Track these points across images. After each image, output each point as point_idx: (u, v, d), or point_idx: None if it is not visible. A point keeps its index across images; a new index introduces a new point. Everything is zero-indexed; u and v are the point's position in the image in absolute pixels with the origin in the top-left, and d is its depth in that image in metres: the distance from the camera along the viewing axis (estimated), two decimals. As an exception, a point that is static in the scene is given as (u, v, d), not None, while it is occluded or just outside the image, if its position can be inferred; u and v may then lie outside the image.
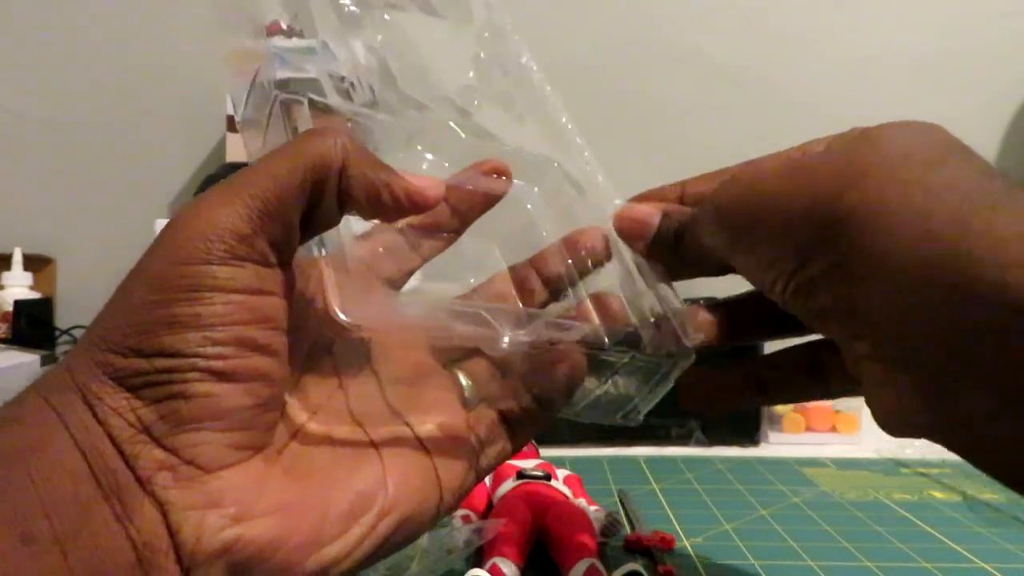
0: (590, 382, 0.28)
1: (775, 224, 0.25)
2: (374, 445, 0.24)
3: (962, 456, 0.24)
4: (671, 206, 0.31)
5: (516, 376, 0.27)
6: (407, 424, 0.25)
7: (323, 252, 0.25)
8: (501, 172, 0.30)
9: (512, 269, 0.32)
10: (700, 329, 0.30)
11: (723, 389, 0.33)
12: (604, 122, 1.00)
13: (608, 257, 0.32)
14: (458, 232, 0.30)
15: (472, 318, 0.25)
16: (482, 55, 0.34)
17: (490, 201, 0.30)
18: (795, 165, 0.26)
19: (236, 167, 0.89)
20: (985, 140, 0.99)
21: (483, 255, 0.31)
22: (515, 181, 0.30)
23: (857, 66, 0.99)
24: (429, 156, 0.30)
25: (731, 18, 1.00)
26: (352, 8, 0.30)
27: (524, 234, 0.32)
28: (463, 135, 0.30)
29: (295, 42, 0.97)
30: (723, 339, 0.31)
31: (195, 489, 0.20)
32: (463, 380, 0.28)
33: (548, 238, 0.31)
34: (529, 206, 0.31)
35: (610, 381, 0.28)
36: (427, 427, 0.25)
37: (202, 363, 0.20)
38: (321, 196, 0.23)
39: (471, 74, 0.32)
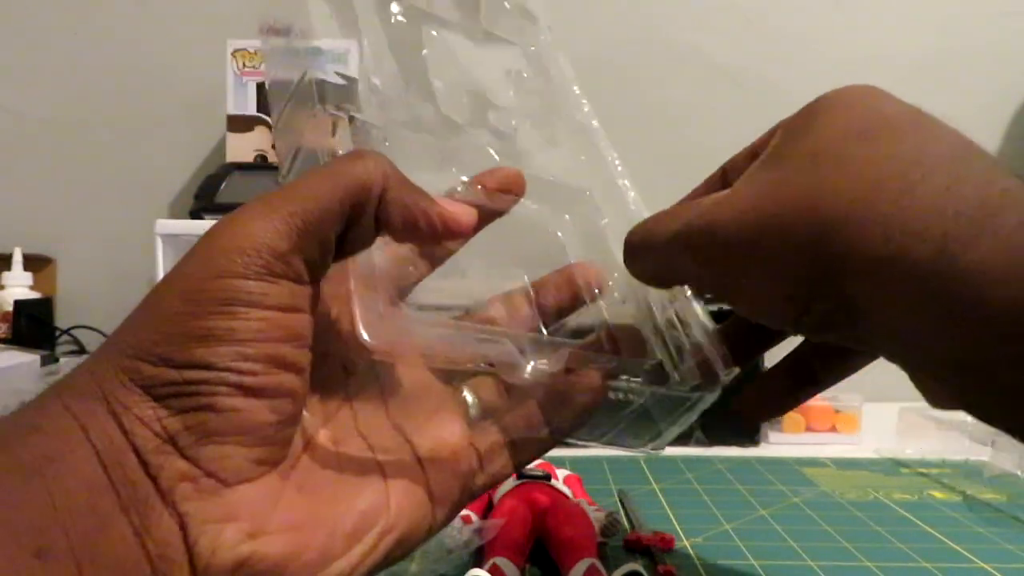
0: (612, 413, 0.27)
1: (766, 274, 0.24)
2: (378, 462, 0.25)
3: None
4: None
5: (527, 401, 0.27)
6: (409, 441, 0.25)
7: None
8: (511, 184, 0.30)
9: (507, 296, 0.31)
10: (728, 363, 0.29)
11: (780, 395, 0.32)
12: (604, 122, 1.00)
13: (592, 297, 0.31)
14: (459, 245, 0.30)
15: (496, 345, 0.25)
16: (524, 74, 0.33)
17: (493, 217, 0.30)
18: (762, 212, 0.24)
19: (236, 167, 0.88)
20: (985, 140, 0.98)
21: (510, 281, 0.31)
22: (545, 207, 0.30)
23: (857, 66, 0.99)
24: (464, 178, 0.29)
25: (731, 18, 1.00)
26: (400, 18, 0.30)
27: (553, 262, 0.31)
28: (498, 159, 0.30)
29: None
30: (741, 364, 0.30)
31: (214, 502, 0.20)
32: (468, 398, 0.28)
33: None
34: (560, 234, 0.31)
35: (633, 412, 0.28)
36: (426, 445, 0.25)
37: (232, 378, 0.20)
38: (359, 219, 0.23)
39: (511, 94, 0.32)
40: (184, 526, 0.19)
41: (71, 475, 0.19)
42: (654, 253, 0.28)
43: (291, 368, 0.22)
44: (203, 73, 0.97)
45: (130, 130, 1.02)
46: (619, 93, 1.00)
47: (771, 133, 0.28)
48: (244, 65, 0.87)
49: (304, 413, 0.24)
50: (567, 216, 0.31)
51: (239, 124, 0.87)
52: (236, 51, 0.87)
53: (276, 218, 0.21)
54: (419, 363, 0.28)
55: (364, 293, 0.23)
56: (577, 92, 0.33)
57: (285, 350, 0.21)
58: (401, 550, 0.24)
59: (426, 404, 0.27)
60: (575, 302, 0.31)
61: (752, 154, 0.29)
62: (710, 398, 0.28)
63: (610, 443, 0.29)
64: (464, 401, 0.28)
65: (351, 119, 0.27)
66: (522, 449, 0.27)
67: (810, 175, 0.23)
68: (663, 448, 0.30)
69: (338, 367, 0.27)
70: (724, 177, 0.31)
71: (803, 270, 0.23)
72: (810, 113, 0.26)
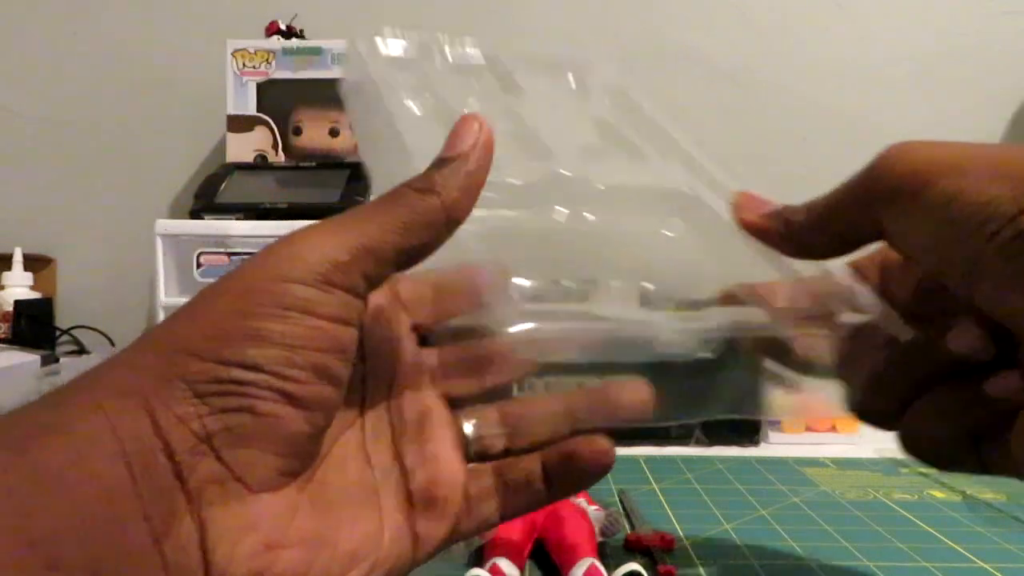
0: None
1: (980, 167, 0.23)
2: (376, 490, 0.24)
3: None
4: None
5: (527, 435, 0.27)
6: (406, 474, 0.25)
7: None
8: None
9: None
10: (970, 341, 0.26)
11: (953, 442, 0.27)
12: (604, 122, 1.00)
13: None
14: None
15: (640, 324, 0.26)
16: (608, 119, 0.33)
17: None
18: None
19: (236, 167, 0.88)
20: (985, 140, 0.99)
21: (632, 294, 0.30)
22: (650, 218, 0.29)
23: (857, 66, 0.99)
24: (564, 210, 0.29)
25: (731, 18, 1.00)
26: (514, 78, 0.31)
27: (679, 269, 0.31)
28: (601, 187, 0.30)
29: (295, 42, 0.97)
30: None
31: (236, 509, 0.20)
32: (467, 428, 0.27)
33: (703, 265, 0.31)
34: (671, 234, 0.30)
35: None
36: (422, 481, 0.25)
37: (277, 382, 0.20)
38: (422, 248, 0.23)
39: (594, 136, 0.32)
40: (204, 532, 0.19)
41: (93, 480, 0.18)
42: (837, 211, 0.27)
43: (332, 380, 0.22)
44: (203, 73, 0.97)
45: (130, 130, 1.02)
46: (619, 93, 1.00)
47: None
48: (244, 65, 0.87)
49: None
50: (678, 220, 0.30)
51: (239, 124, 0.87)
52: (236, 51, 0.87)
53: (339, 232, 0.22)
54: (423, 387, 0.27)
55: (494, 282, 0.24)
56: (661, 119, 0.33)
57: (330, 361, 0.21)
58: None
59: (427, 433, 0.26)
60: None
61: None
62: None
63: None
64: (464, 434, 0.27)
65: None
66: (512, 499, 0.26)
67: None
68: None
69: (358, 381, 0.26)
70: None
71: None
72: None
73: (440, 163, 0.24)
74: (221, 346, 0.20)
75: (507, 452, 0.27)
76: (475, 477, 0.26)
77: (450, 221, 0.23)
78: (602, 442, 0.26)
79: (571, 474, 0.26)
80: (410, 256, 0.23)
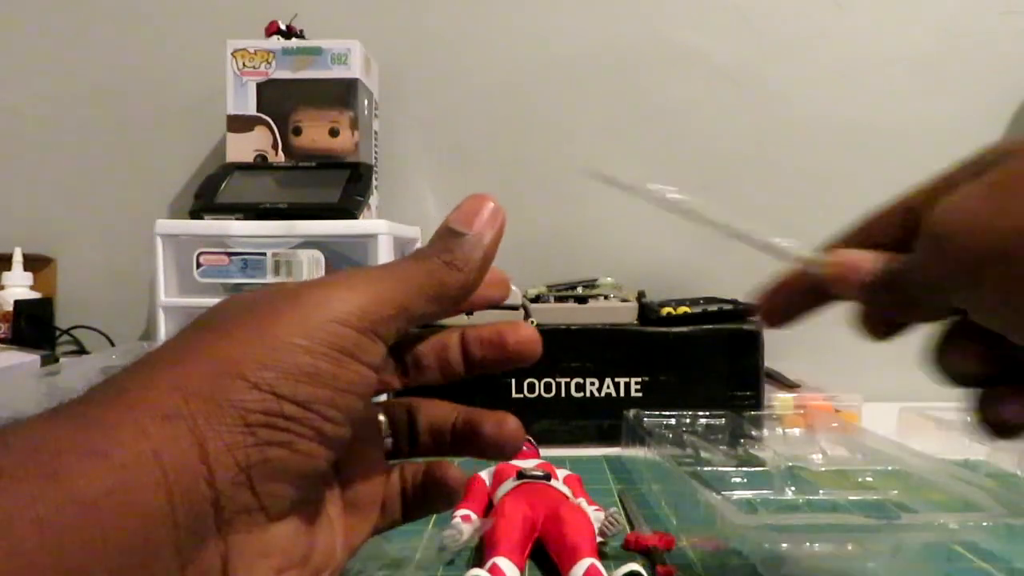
0: None
1: None
2: (324, 501, 0.26)
3: None
4: (882, 253, 0.29)
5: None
6: (342, 482, 0.27)
7: None
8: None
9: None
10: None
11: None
12: (604, 122, 1.00)
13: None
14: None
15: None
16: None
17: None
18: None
19: (236, 167, 0.88)
20: (985, 140, 0.98)
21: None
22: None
23: (857, 66, 0.99)
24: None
25: (731, 18, 1.00)
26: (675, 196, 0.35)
27: None
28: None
29: (295, 42, 0.97)
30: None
31: (256, 537, 0.21)
32: (382, 420, 0.29)
33: None
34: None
35: None
36: (354, 486, 0.27)
37: (318, 422, 0.21)
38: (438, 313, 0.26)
39: None
40: (227, 559, 0.20)
41: (132, 510, 0.18)
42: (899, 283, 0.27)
43: (352, 424, 0.23)
44: (203, 73, 0.97)
45: (130, 130, 1.02)
46: (619, 93, 1.00)
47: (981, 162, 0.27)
48: (244, 65, 0.87)
49: None
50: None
51: (239, 124, 0.87)
52: (236, 51, 0.87)
53: (384, 286, 0.24)
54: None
55: None
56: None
57: (359, 405, 0.23)
58: None
59: (357, 436, 0.27)
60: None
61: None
62: None
63: None
64: (381, 428, 0.29)
65: None
66: (414, 510, 0.29)
67: None
68: None
69: None
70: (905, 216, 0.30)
71: None
72: None
73: (457, 235, 0.26)
74: (278, 378, 0.20)
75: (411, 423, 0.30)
76: (389, 479, 0.29)
77: (466, 296, 0.26)
78: (455, 473, 0.29)
79: (427, 494, 0.29)
80: (429, 320, 0.25)
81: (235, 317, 0.22)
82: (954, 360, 0.27)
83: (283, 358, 0.21)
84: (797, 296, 0.32)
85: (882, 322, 0.29)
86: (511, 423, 0.29)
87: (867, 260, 0.29)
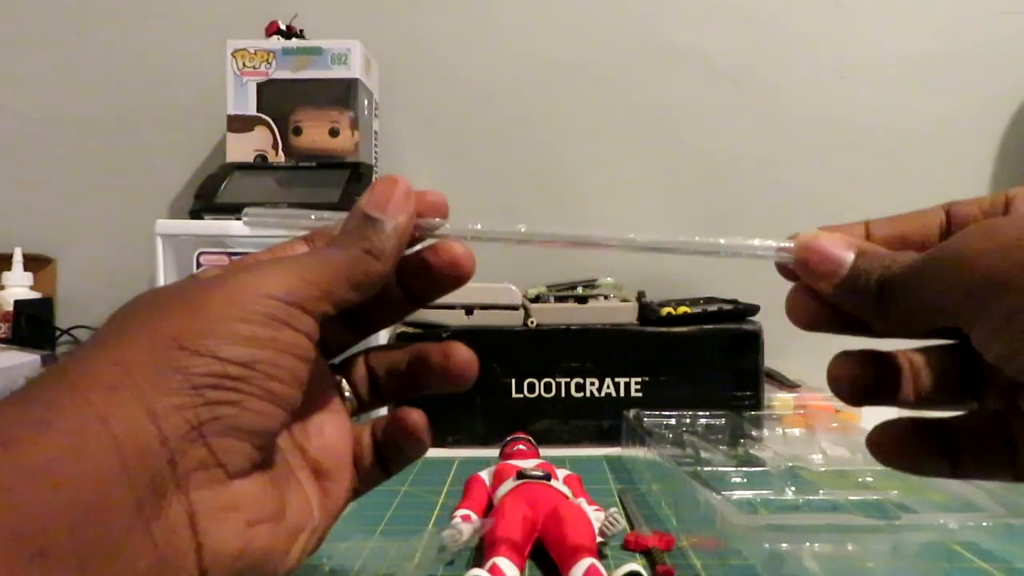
0: None
1: None
2: (291, 467, 0.27)
3: None
4: (869, 245, 0.26)
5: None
6: (301, 449, 0.28)
7: None
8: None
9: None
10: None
11: (913, 448, 0.27)
12: (604, 122, 1.00)
13: None
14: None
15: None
16: None
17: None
18: None
19: (236, 167, 0.88)
20: (985, 140, 0.99)
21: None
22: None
23: (857, 66, 0.99)
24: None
25: (731, 18, 1.00)
26: None
27: None
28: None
29: (295, 42, 0.97)
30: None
31: (220, 492, 0.22)
32: (346, 389, 0.31)
33: None
34: None
35: None
36: (313, 453, 0.28)
37: (264, 381, 0.23)
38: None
39: None
40: (193, 514, 0.21)
41: (84, 471, 0.19)
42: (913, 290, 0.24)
43: (300, 386, 0.24)
44: (203, 73, 0.97)
45: (130, 130, 1.02)
46: (619, 93, 1.00)
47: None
48: (244, 65, 0.87)
49: None
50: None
51: (239, 124, 0.87)
52: (236, 51, 0.87)
53: (309, 275, 0.25)
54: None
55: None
56: None
57: (302, 368, 0.24)
58: (317, 545, 0.27)
59: (312, 403, 0.28)
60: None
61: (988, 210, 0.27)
62: None
63: None
64: (341, 389, 0.31)
65: None
66: (392, 462, 0.30)
67: None
68: None
69: None
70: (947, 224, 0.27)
71: None
72: None
73: (372, 221, 0.27)
74: (219, 344, 0.22)
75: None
76: (358, 438, 0.30)
77: (381, 281, 0.27)
78: (415, 416, 0.30)
79: (397, 444, 0.30)
80: (351, 304, 0.26)
81: (165, 301, 0.23)
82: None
83: (220, 328, 0.22)
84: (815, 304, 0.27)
85: (838, 320, 0.26)
86: (459, 350, 0.30)
87: (842, 247, 0.25)
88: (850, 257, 0.25)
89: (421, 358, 0.30)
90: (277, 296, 0.23)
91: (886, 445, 0.27)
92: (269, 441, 0.24)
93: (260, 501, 0.23)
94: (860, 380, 0.26)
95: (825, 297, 0.26)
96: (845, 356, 0.26)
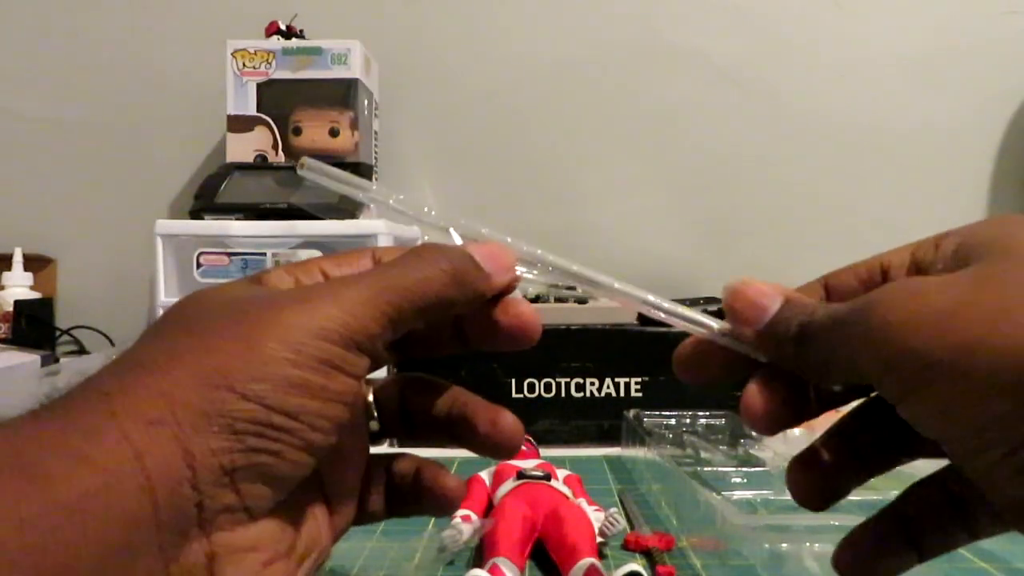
0: None
1: (985, 378, 0.19)
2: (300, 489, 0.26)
3: None
4: (796, 294, 0.25)
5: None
6: (321, 475, 0.27)
7: None
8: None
9: None
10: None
11: (881, 557, 0.27)
12: (604, 122, 1.00)
13: None
14: None
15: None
16: None
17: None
18: (995, 304, 0.19)
19: (236, 167, 0.88)
20: (985, 140, 0.99)
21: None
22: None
23: (857, 66, 0.99)
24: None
25: (731, 19, 1.00)
26: None
27: None
28: None
29: (295, 42, 0.97)
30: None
31: (241, 534, 0.21)
32: (373, 410, 0.29)
33: None
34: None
35: None
36: (333, 478, 0.27)
37: (307, 432, 0.22)
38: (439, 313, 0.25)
39: None
40: (212, 556, 0.20)
41: (116, 512, 0.18)
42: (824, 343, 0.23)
43: (338, 431, 0.23)
44: (203, 73, 0.97)
45: (130, 130, 1.02)
46: (620, 94, 1.00)
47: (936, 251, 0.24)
48: (244, 65, 0.87)
49: None
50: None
51: (239, 124, 0.87)
52: (236, 51, 0.87)
53: (373, 301, 0.23)
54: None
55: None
56: None
57: (345, 414, 0.23)
58: (317, 568, 0.26)
59: (343, 431, 0.27)
60: None
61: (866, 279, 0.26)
62: None
63: None
64: (368, 410, 0.29)
65: None
66: (404, 504, 0.29)
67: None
68: None
69: None
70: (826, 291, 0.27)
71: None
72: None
73: (472, 261, 0.26)
74: (266, 390, 0.21)
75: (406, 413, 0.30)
76: (371, 472, 0.29)
77: (453, 312, 0.25)
78: (450, 482, 0.29)
79: (419, 496, 0.29)
80: (410, 326, 0.24)
81: (216, 322, 0.22)
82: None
83: (272, 371, 0.21)
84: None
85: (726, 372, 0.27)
86: (507, 421, 0.28)
87: (769, 295, 0.25)
88: (776, 304, 0.25)
89: (467, 417, 0.28)
90: (332, 335, 0.22)
91: (855, 566, 0.27)
92: (296, 484, 0.23)
93: (278, 540, 0.23)
94: (774, 414, 0.25)
95: (750, 347, 0.26)
96: (758, 386, 0.25)
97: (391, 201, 0.28)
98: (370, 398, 0.29)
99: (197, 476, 0.20)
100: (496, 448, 0.28)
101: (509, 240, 0.27)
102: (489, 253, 0.26)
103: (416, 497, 0.29)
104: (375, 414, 0.29)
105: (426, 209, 0.28)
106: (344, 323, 0.22)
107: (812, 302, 0.25)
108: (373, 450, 0.30)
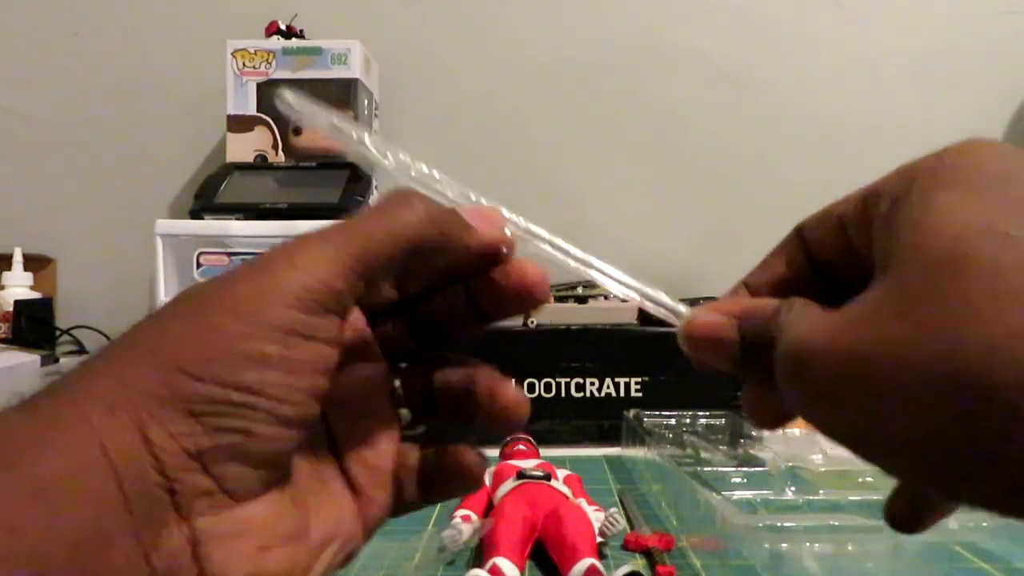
0: None
1: (900, 397, 0.18)
2: (323, 477, 0.25)
3: None
4: (749, 305, 0.24)
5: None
6: (340, 461, 0.26)
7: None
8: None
9: None
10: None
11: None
12: (604, 122, 1.00)
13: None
14: None
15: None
16: None
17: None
18: (893, 314, 0.18)
19: (236, 167, 0.88)
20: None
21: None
22: None
23: (857, 66, 0.99)
24: None
25: (731, 19, 1.00)
26: None
27: None
28: None
29: (295, 42, 0.97)
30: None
31: (226, 518, 0.20)
32: (397, 384, 0.28)
33: None
34: None
35: None
36: (353, 465, 0.26)
37: (276, 407, 0.21)
38: (414, 262, 0.24)
39: None
40: (195, 542, 0.20)
41: (81, 494, 0.18)
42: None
43: (320, 398, 0.22)
44: (203, 73, 0.97)
45: (130, 130, 1.02)
46: (620, 94, 1.00)
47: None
48: (244, 65, 0.87)
49: None
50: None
51: (239, 124, 0.87)
52: (236, 51, 0.87)
53: (336, 256, 0.22)
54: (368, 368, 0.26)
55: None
56: None
57: (322, 381, 0.22)
58: (347, 560, 0.25)
59: (364, 410, 0.26)
60: None
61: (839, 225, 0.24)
62: None
63: None
64: (396, 397, 0.28)
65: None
66: (433, 489, 0.27)
67: (927, 271, 0.18)
68: None
69: None
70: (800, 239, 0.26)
71: (960, 395, 0.16)
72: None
73: (454, 213, 0.24)
74: (222, 368, 0.20)
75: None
76: (404, 456, 0.27)
77: (430, 246, 0.24)
78: (470, 457, 0.27)
79: (445, 477, 0.27)
80: (387, 269, 0.23)
81: (177, 307, 0.22)
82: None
83: (224, 348, 0.20)
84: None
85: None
86: (507, 394, 0.26)
87: (726, 327, 0.23)
88: (733, 330, 0.23)
89: (470, 391, 0.26)
90: (289, 300, 0.21)
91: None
92: (283, 461, 0.22)
93: (274, 523, 0.22)
94: (776, 409, 0.23)
95: (734, 372, 0.24)
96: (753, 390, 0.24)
97: (386, 160, 0.25)
98: (396, 383, 0.28)
99: (161, 461, 0.19)
100: (495, 421, 0.27)
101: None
102: (475, 209, 0.25)
103: (444, 478, 0.27)
104: (403, 401, 0.28)
105: (426, 170, 0.25)
106: (303, 285, 0.21)
107: (770, 304, 0.23)
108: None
